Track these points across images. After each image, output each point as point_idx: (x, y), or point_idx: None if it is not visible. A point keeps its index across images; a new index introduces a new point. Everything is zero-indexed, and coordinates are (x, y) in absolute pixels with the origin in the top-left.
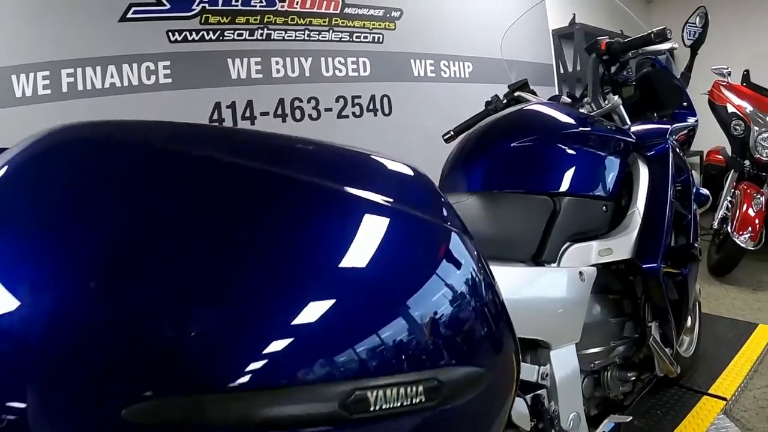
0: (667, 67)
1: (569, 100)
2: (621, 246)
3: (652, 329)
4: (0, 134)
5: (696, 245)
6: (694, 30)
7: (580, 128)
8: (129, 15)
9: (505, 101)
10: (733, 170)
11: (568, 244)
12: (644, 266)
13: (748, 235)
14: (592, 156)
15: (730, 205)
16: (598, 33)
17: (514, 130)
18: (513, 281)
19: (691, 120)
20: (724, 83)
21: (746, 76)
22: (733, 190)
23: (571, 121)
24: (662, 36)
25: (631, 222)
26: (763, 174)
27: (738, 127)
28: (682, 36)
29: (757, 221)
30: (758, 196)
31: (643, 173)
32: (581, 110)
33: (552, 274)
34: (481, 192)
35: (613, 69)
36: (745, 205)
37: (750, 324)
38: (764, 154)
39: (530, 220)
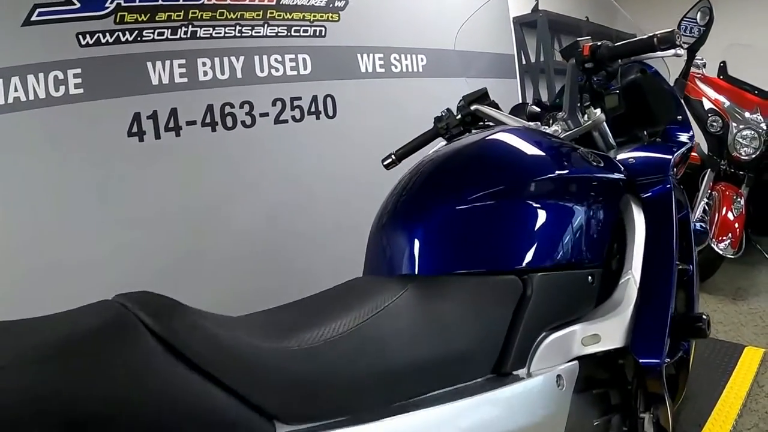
0: (659, 73)
1: (537, 109)
2: (612, 331)
3: (644, 421)
4: None
5: (704, 317)
6: (694, 27)
7: (558, 170)
8: (33, 18)
9: (459, 116)
10: (709, 170)
11: (542, 335)
12: (643, 362)
13: (728, 241)
14: (573, 210)
15: (707, 208)
16: (563, 20)
17: (468, 177)
18: (468, 419)
19: (684, 137)
20: (699, 75)
21: (723, 68)
22: (710, 192)
23: (545, 159)
24: (668, 42)
25: (624, 295)
26: (741, 173)
27: (715, 124)
28: (677, 33)
29: (737, 226)
30: (737, 198)
31: (639, 223)
32: (554, 126)
33: (520, 392)
34: (420, 278)
35: (595, 78)
36: (724, 209)
37: (735, 345)
38: (743, 153)
39: (491, 315)
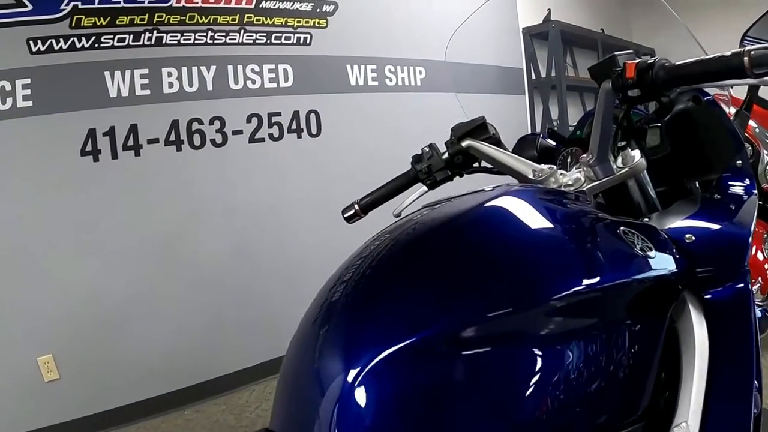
0: (716, 102)
1: (551, 143)
2: None
3: None
4: None
5: None
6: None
7: (585, 278)
8: None
9: (446, 155)
10: None
11: None
12: None
13: (758, 285)
14: (603, 347)
15: None
16: (577, 32)
17: (440, 296)
18: None
19: (742, 188)
20: (725, 97)
21: (753, 89)
22: None
23: (566, 259)
24: (763, 65)
25: None
26: None
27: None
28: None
29: (767, 268)
30: None
31: (700, 340)
32: (575, 173)
33: None
34: None
35: (640, 110)
36: (753, 248)
37: None
38: None
39: None
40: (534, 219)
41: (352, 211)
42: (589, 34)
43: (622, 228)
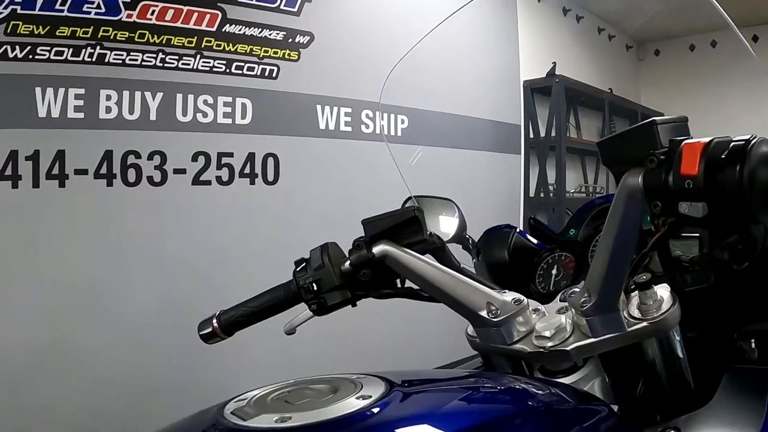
0: None
1: (533, 242)
2: None
3: None
4: None
5: None
6: None
7: None
8: None
9: (346, 266)
10: None
11: None
12: None
13: None
14: None
15: None
16: (582, 90)
17: None
18: None
19: None
20: None
21: None
22: None
23: None
24: None
25: None
26: None
27: None
28: None
29: None
30: None
31: None
32: (562, 317)
33: None
34: None
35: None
36: None
37: None
38: None
39: None
40: None
41: (209, 330)
42: (596, 92)
43: None
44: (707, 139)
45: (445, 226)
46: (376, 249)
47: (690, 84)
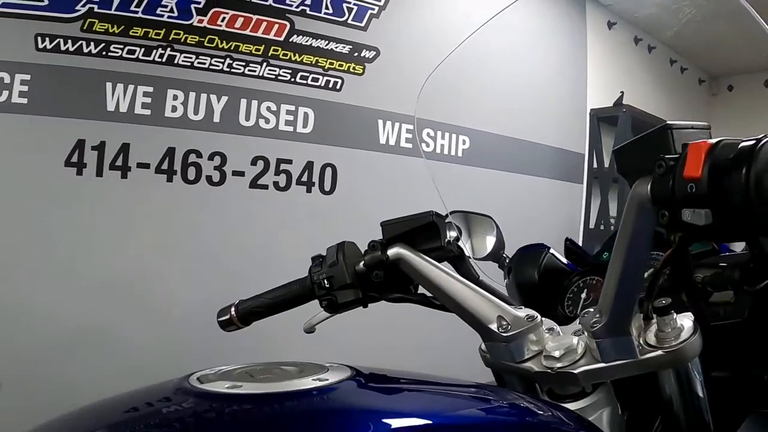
0: None
1: (563, 263)
2: None
3: None
4: None
5: None
6: None
7: None
8: None
9: (360, 266)
10: None
11: None
12: None
13: None
14: None
15: None
16: (650, 121)
17: None
18: None
19: None
20: None
21: None
22: None
23: None
24: None
25: None
26: None
27: None
28: None
29: None
30: None
31: None
32: (572, 341)
33: None
34: None
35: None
36: None
37: None
38: None
39: None
40: None
41: (227, 317)
42: (659, 123)
43: None
44: (716, 140)
45: (481, 242)
46: (391, 251)
47: (764, 121)
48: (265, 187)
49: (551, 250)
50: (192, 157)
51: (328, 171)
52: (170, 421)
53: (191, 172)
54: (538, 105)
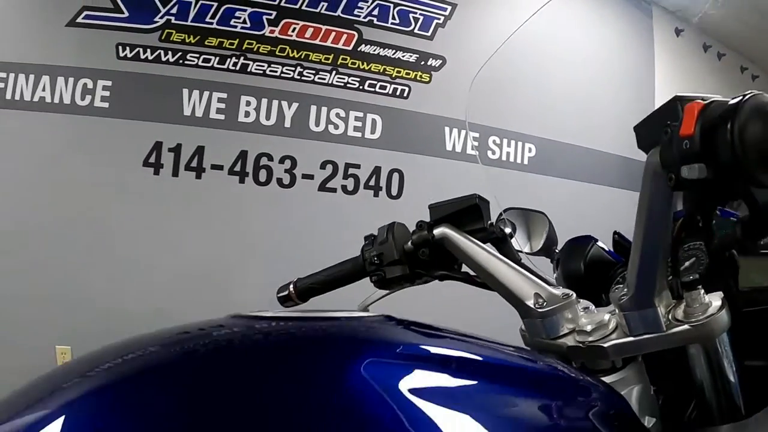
0: None
1: (607, 254)
2: None
3: None
4: None
5: None
6: None
7: None
8: (79, 19)
9: (408, 244)
10: None
11: None
12: None
13: None
14: None
15: None
16: None
17: None
18: None
19: None
20: None
21: None
22: None
23: None
24: None
25: None
26: None
27: None
28: None
29: None
30: None
31: None
32: (604, 317)
33: None
34: None
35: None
36: None
37: None
38: None
39: None
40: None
41: (286, 293)
42: None
43: None
44: (709, 100)
45: (534, 237)
46: (437, 231)
47: None
48: (334, 190)
49: (598, 242)
50: (263, 160)
51: (396, 176)
52: (223, 338)
53: (263, 175)
54: (605, 113)
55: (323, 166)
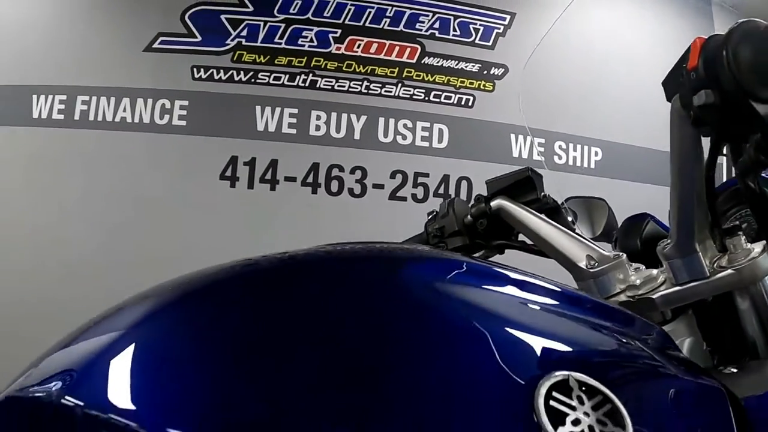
0: None
1: (666, 230)
2: None
3: None
4: (16, 153)
5: None
6: None
7: None
8: (155, 45)
9: (467, 217)
10: None
11: None
12: None
13: None
14: None
15: None
16: None
17: None
18: None
19: None
20: None
21: None
22: None
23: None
24: None
25: None
26: None
27: None
28: None
29: None
30: None
31: None
32: (651, 272)
33: None
34: None
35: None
36: None
37: None
38: None
39: None
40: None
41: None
42: None
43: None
44: (710, 36)
45: (595, 222)
46: (493, 203)
47: None
48: (404, 199)
49: (654, 218)
50: (335, 171)
51: (464, 184)
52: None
53: (334, 185)
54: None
55: (393, 175)
